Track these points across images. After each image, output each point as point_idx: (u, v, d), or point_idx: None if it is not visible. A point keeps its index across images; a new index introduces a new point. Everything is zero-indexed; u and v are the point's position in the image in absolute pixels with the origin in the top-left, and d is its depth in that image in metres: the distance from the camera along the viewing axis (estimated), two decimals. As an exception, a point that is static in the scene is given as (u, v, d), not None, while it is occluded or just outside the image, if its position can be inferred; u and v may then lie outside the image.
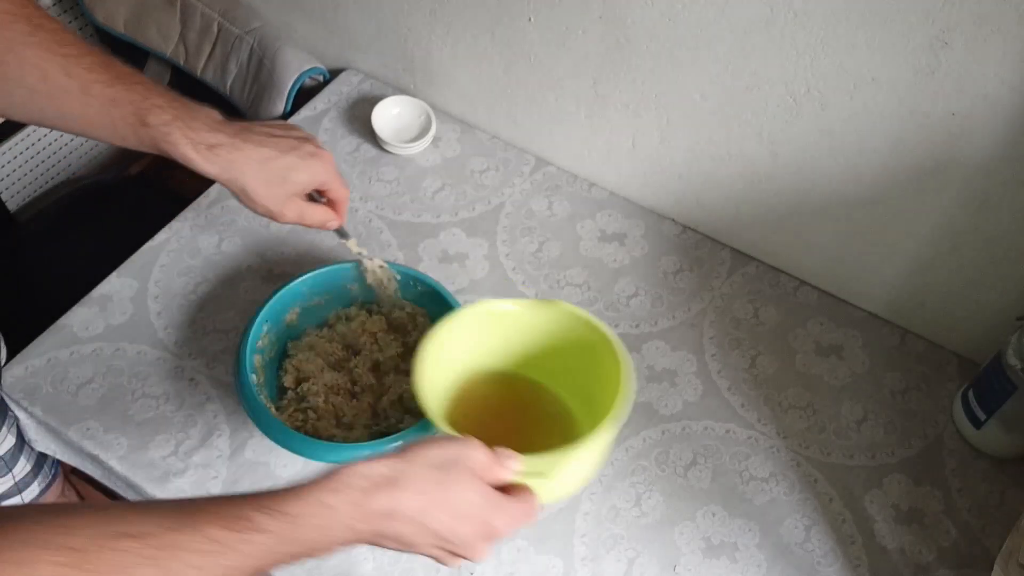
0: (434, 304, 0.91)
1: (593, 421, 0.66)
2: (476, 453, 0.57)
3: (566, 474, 0.63)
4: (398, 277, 0.91)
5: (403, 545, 0.54)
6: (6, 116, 0.75)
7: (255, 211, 0.78)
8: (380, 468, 0.53)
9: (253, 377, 0.82)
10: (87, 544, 0.45)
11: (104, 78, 0.71)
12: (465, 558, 0.57)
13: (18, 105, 0.72)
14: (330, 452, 0.78)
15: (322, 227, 0.85)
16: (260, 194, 0.76)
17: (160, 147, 0.72)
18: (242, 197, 0.77)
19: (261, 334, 0.86)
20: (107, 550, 0.45)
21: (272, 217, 0.78)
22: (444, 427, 0.63)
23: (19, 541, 0.44)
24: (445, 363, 0.70)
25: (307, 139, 0.81)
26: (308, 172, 0.79)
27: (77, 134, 0.75)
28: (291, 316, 0.90)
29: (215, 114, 0.76)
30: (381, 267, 0.90)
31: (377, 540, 0.54)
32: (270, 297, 0.87)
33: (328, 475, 0.52)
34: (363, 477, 0.52)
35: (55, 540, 0.45)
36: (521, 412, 0.77)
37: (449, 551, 0.56)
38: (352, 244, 0.90)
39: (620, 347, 0.68)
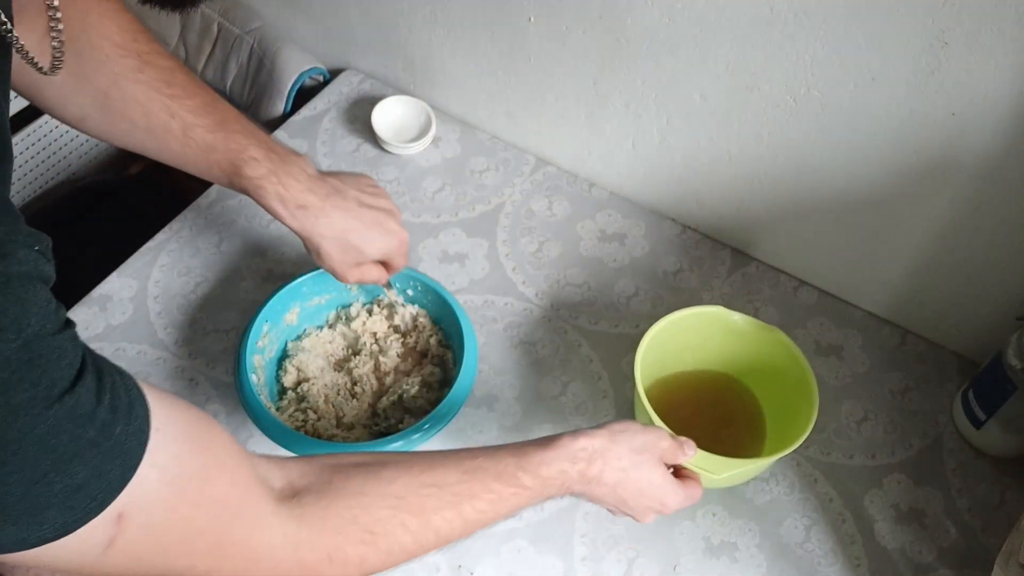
0: (435, 305, 0.92)
1: (775, 434, 0.86)
2: (664, 442, 0.71)
3: (731, 475, 0.77)
4: (414, 307, 0.93)
5: (593, 500, 0.69)
6: (105, 141, 0.78)
7: (320, 266, 0.81)
8: (596, 443, 0.66)
9: (253, 377, 0.82)
10: (404, 492, 0.58)
11: (206, 123, 0.73)
12: (635, 519, 0.71)
13: (118, 135, 0.74)
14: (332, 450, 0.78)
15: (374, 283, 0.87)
16: (333, 259, 0.79)
17: (251, 195, 0.75)
18: (314, 255, 0.79)
19: (261, 334, 0.86)
20: (420, 496, 0.58)
21: (335, 276, 0.81)
22: (652, 413, 0.77)
23: (355, 492, 0.56)
24: (660, 352, 0.85)
25: (392, 213, 0.83)
26: (382, 248, 0.82)
27: (173, 166, 0.77)
28: (291, 316, 0.90)
29: (309, 167, 0.78)
30: (403, 305, 0.92)
31: (580, 494, 0.67)
32: (270, 297, 0.87)
33: (561, 444, 0.65)
34: (584, 450, 0.65)
35: (381, 489, 0.58)
36: (718, 405, 0.91)
37: (625, 512, 0.70)
38: (392, 294, 0.91)
39: (815, 390, 0.81)
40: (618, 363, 0.96)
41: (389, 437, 0.79)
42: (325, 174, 0.80)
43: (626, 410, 0.92)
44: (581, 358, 0.96)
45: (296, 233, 0.77)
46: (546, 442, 0.65)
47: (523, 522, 0.84)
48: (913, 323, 1.01)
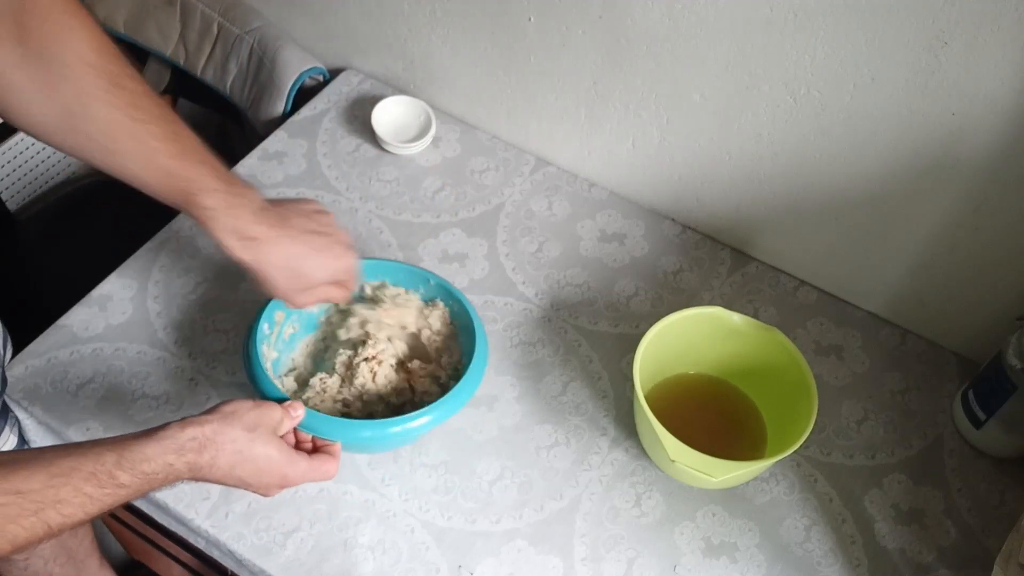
0: (459, 316, 0.90)
1: (775, 435, 0.88)
2: (276, 413, 0.71)
3: (730, 477, 0.78)
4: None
5: (215, 482, 0.68)
6: (63, 151, 0.78)
7: (270, 296, 0.82)
8: (206, 430, 0.65)
9: (264, 353, 0.82)
10: None
11: (170, 150, 0.74)
12: (260, 495, 0.72)
13: (76, 149, 0.74)
14: (339, 429, 0.77)
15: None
16: (280, 287, 0.79)
17: (202, 224, 0.76)
18: (263, 286, 0.80)
19: (276, 320, 0.86)
20: None
21: (288, 304, 0.82)
22: (650, 415, 0.79)
23: None
24: (660, 353, 0.87)
25: (338, 239, 0.83)
26: (330, 273, 0.82)
27: (127, 184, 0.77)
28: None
29: (258, 198, 0.79)
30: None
31: (197, 480, 0.67)
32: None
33: (167, 435, 0.63)
34: (194, 439, 0.64)
35: None
36: (718, 407, 0.92)
37: (249, 490, 0.70)
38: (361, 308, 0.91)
39: (815, 391, 0.82)
40: (618, 363, 0.96)
41: (400, 417, 0.78)
42: (272, 202, 0.81)
43: (626, 410, 0.92)
44: (581, 358, 0.96)
45: (244, 264, 0.78)
46: (151, 434, 0.63)
47: (523, 522, 0.84)
48: (913, 323, 1.01)
